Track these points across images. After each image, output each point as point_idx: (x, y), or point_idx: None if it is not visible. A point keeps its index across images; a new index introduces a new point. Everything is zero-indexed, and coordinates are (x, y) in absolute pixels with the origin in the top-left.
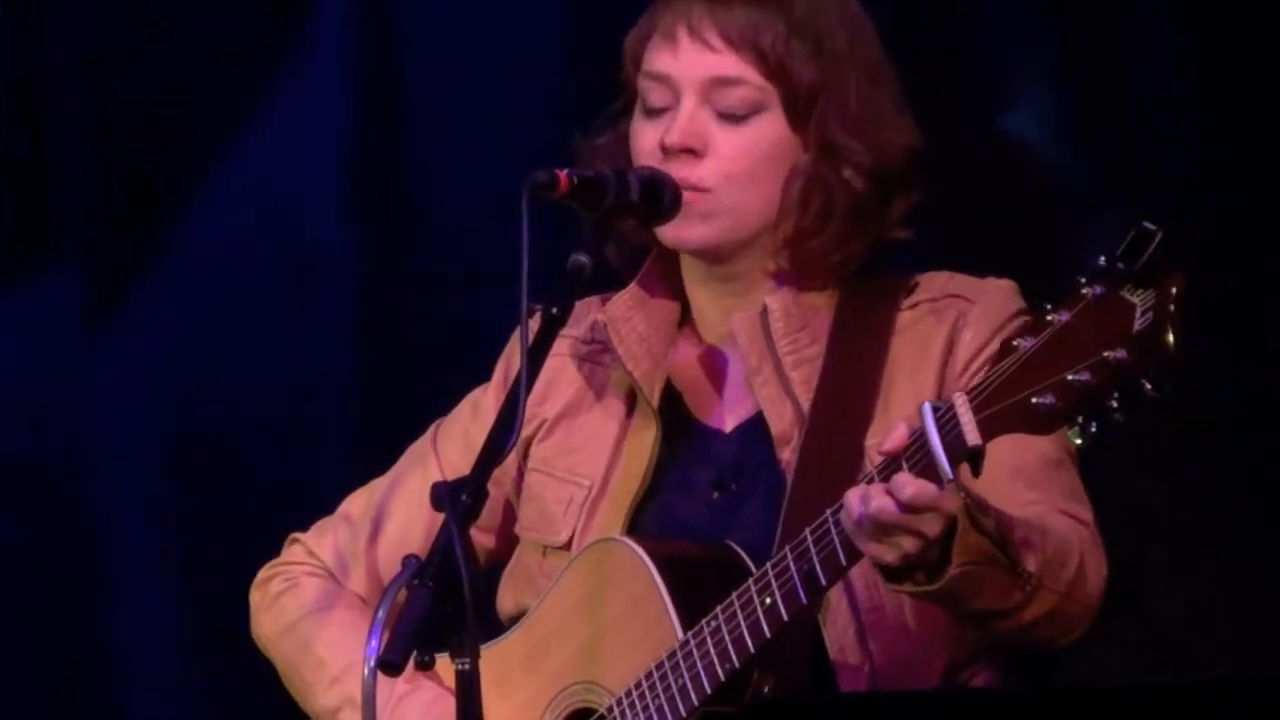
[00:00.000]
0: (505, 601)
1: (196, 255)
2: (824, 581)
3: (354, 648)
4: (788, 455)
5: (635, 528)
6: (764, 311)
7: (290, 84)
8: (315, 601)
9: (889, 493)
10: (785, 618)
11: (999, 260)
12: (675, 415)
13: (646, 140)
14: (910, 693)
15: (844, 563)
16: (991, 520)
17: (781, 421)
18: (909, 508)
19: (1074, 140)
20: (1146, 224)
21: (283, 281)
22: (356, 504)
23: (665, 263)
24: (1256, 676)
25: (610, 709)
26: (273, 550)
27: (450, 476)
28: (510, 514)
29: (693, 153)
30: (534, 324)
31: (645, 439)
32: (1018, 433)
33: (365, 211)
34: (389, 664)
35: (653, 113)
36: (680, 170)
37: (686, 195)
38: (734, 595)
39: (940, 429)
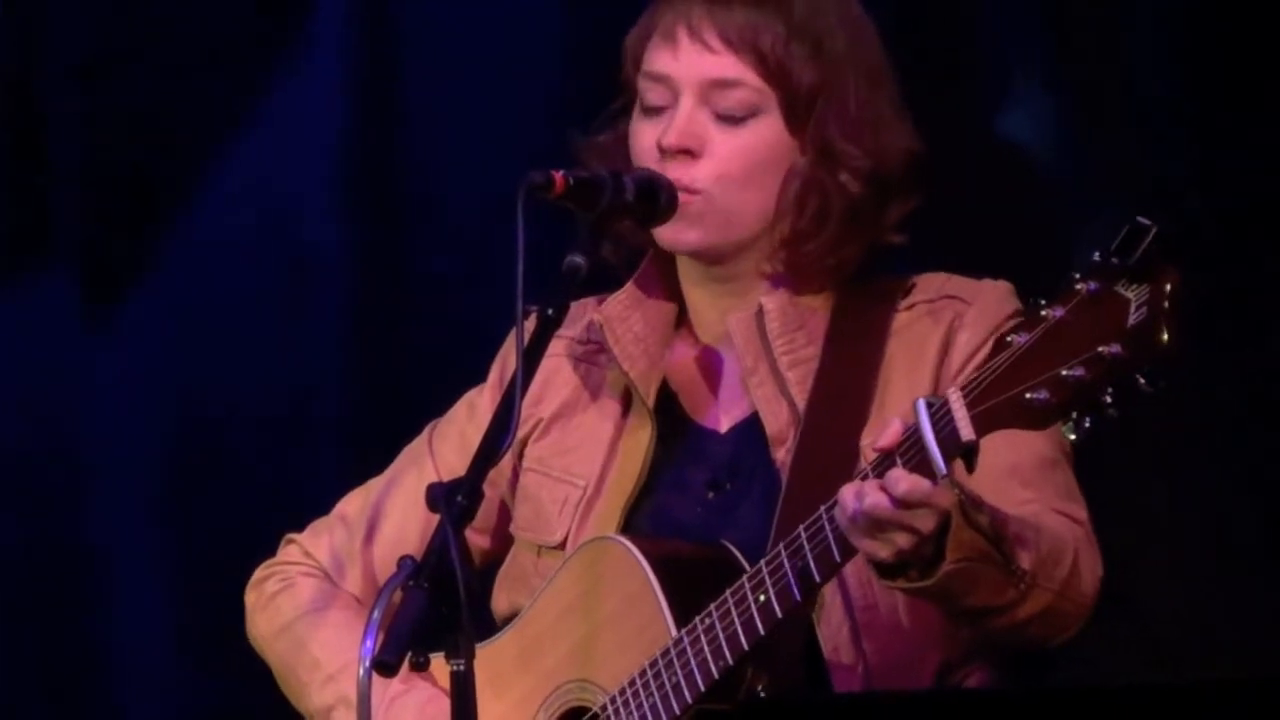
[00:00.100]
0: (500, 601)
1: (194, 255)
2: (818, 578)
3: (349, 647)
4: (783, 455)
5: (630, 528)
6: (760, 312)
7: (288, 84)
8: (311, 601)
9: (883, 488)
10: (779, 615)
11: (997, 261)
12: (671, 415)
13: (644, 140)
14: (904, 692)
15: (838, 559)
16: (986, 517)
17: (777, 421)
18: (903, 503)
19: (1073, 141)
20: (1141, 219)
21: (280, 281)
22: (352, 504)
23: (662, 263)
24: (1251, 676)
25: (604, 707)
26: (270, 550)
27: (446, 477)
28: (505, 514)
29: (689, 153)
30: (530, 325)
31: (641, 439)
32: (1012, 428)
33: (363, 212)
34: (384, 665)
35: (651, 112)
36: (676, 171)
37: (682, 197)
38: (728, 592)
39: (934, 424)
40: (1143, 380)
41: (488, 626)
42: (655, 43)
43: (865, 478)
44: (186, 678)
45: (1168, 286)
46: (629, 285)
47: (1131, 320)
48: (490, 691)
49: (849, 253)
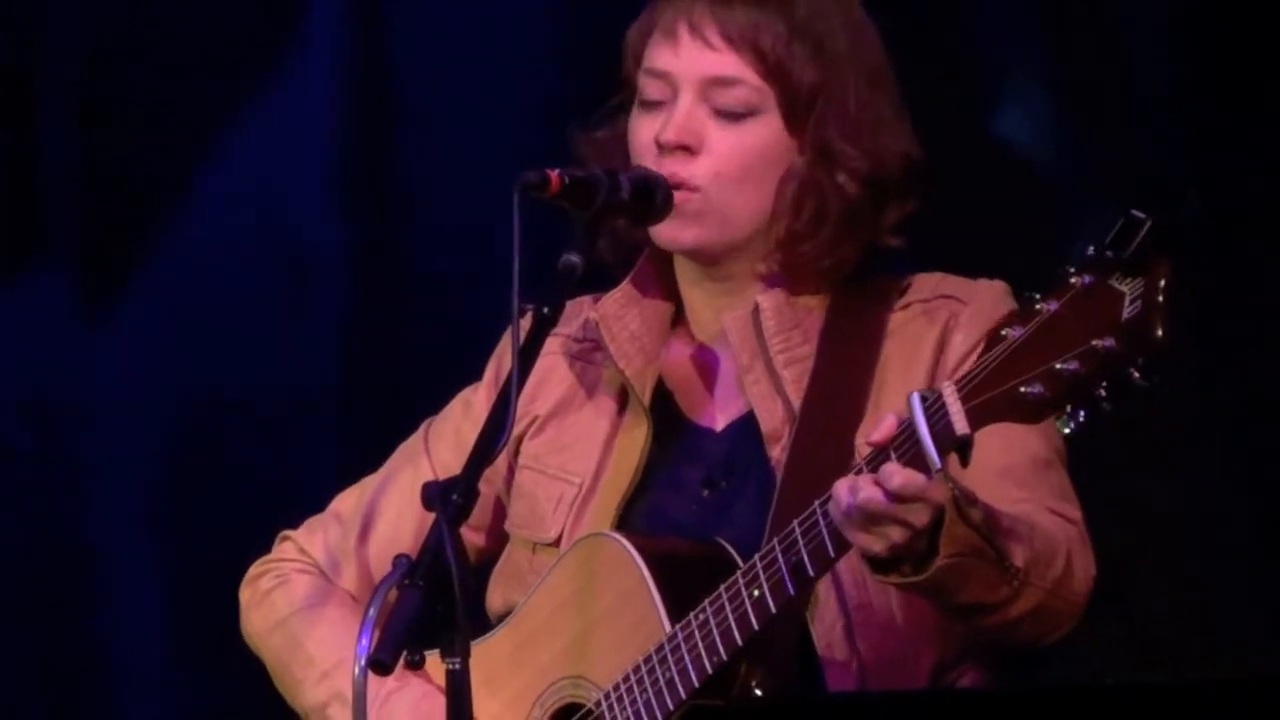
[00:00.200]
0: (494, 599)
1: (191, 255)
2: (812, 573)
3: (345, 645)
4: (778, 454)
5: (625, 525)
6: (756, 310)
7: (287, 83)
8: (306, 598)
9: (877, 482)
10: (773, 610)
11: (997, 260)
12: (666, 414)
13: (642, 135)
14: (897, 692)
15: (832, 554)
16: (979, 513)
17: (772, 420)
18: (897, 497)
19: (1072, 140)
20: (1135, 212)
21: (277, 281)
22: (347, 502)
23: (658, 262)
24: (1243, 676)
25: (598, 703)
26: (268, 549)
27: (441, 475)
28: (501, 512)
29: (687, 150)
30: (525, 324)
31: (636, 437)
32: (1006, 422)
33: (359, 211)
34: (379, 663)
35: (650, 107)
36: (674, 166)
37: (678, 195)
38: (722, 588)
39: (929, 418)
40: (1137, 374)
41: (482, 623)
42: (656, 39)
43: (860, 472)
44: (186, 677)
45: (1162, 280)
46: (625, 283)
47: (1125, 314)
48: (484, 689)
49: (845, 254)
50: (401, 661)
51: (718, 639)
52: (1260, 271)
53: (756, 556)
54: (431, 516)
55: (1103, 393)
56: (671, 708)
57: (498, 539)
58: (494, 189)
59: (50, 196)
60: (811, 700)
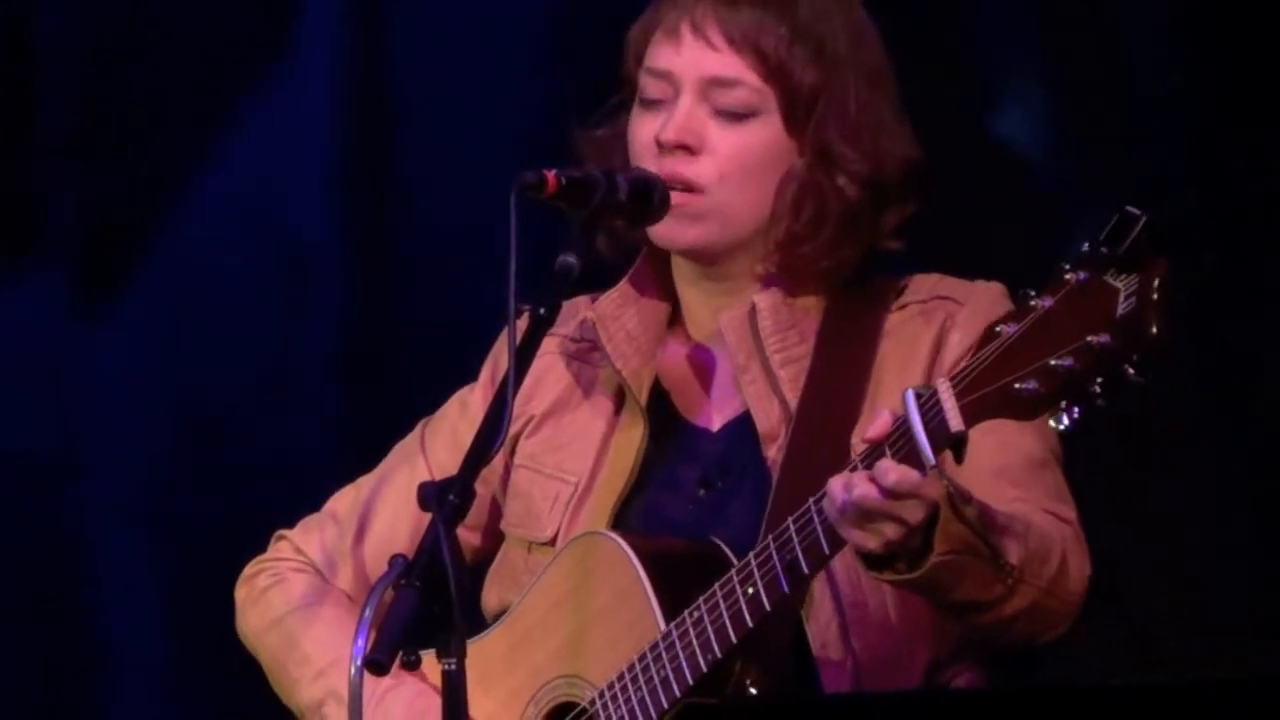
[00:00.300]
0: (490, 598)
1: (188, 254)
2: (806, 570)
3: (341, 644)
4: (774, 453)
5: (621, 525)
6: (753, 310)
7: (286, 83)
8: (303, 597)
9: (872, 479)
10: (768, 607)
11: (996, 260)
12: (663, 413)
13: (642, 134)
14: (892, 692)
15: (827, 551)
16: (974, 510)
17: (768, 420)
18: (891, 494)
19: (1071, 140)
20: (1130, 208)
21: (274, 280)
22: (343, 502)
23: (656, 262)
24: (1242, 676)
25: (593, 702)
26: (265, 548)
27: (438, 475)
28: (496, 511)
29: (687, 149)
30: (522, 324)
31: (632, 437)
32: (1001, 418)
33: (357, 211)
34: (375, 663)
35: (650, 107)
36: (674, 166)
37: (676, 196)
38: (716, 586)
39: (923, 415)
40: (1131, 370)
41: (477, 623)
42: (658, 38)
43: (854, 469)
44: (185, 677)
45: (1157, 276)
46: (622, 283)
47: (1120, 310)
48: (479, 687)
49: (844, 256)
50: (397, 662)
51: (712, 637)
52: (1260, 271)
53: (751, 554)
54: (427, 516)
55: (1098, 389)
56: (666, 706)
57: (494, 539)
58: (493, 189)
59: (50, 196)
60: (806, 699)
